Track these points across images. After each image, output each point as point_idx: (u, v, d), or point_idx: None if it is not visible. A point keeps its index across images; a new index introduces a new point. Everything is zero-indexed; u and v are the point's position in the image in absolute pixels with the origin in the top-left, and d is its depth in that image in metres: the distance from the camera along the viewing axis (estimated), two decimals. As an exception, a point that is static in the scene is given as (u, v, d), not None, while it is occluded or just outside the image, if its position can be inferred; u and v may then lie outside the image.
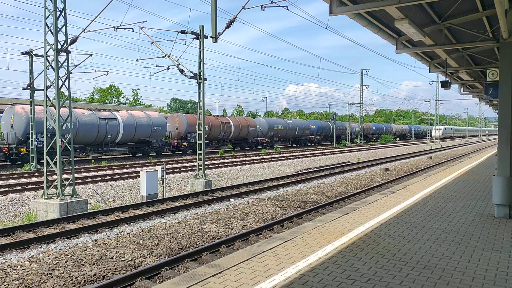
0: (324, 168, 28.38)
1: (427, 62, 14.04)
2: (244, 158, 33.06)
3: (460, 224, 7.59)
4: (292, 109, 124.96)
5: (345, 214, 8.41)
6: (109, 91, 55.12)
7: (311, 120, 72.33)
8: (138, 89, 61.80)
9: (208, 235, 10.44)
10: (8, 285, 6.84)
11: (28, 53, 23.12)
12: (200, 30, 18.12)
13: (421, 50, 11.10)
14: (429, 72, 14.60)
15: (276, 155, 36.54)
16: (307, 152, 41.30)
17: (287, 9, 12.49)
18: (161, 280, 7.43)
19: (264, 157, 34.61)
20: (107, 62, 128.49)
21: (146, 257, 8.61)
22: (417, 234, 6.79)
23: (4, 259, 8.33)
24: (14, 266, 7.80)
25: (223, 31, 12.53)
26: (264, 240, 7.39)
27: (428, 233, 6.87)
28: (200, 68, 18.34)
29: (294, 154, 38.55)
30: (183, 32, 17.24)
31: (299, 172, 25.94)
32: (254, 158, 33.39)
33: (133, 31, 15.95)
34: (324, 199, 16.24)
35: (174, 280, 4.82)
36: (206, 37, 18.03)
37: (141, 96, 58.89)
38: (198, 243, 9.81)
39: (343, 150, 45.98)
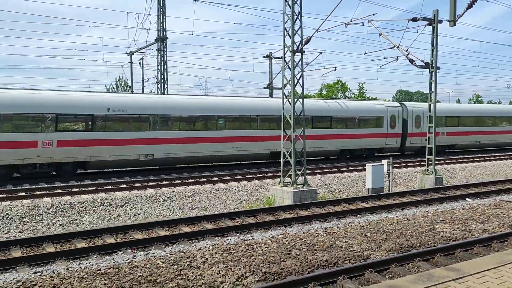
0: None
1: None
2: (483, 154, 29.20)
3: None
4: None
5: None
6: (336, 86, 57.38)
7: None
8: (364, 82, 62.21)
9: (441, 236, 9.67)
10: (255, 259, 7.91)
11: (268, 56, 26.12)
12: (434, 15, 16.83)
13: None
14: None
15: (524, 152, 30.95)
16: None
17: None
18: (390, 275, 7.30)
19: (507, 152, 29.77)
20: (335, 58, 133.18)
21: (374, 250, 8.59)
22: None
23: (251, 236, 9.68)
24: (259, 243, 8.97)
25: (463, 13, 11.30)
26: (513, 249, 6.37)
27: None
28: (432, 56, 17.07)
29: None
30: (414, 19, 16.37)
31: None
32: (496, 153, 29.11)
33: (362, 25, 16.05)
34: None
35: (408, 278, 4.65)
36: (441, 21, 16.63)
37: (366, 90, 59.19)
38: (429, 242, 9.21)
39: None
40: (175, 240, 9.49)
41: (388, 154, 27.60)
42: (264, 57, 25.97)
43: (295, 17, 14.08)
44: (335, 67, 23.39)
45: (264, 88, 26.62)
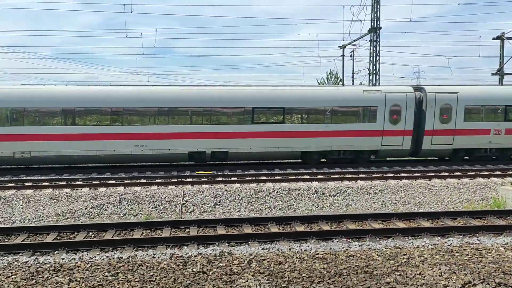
0: None
1: None
2: None
3: None
4: None
5: None
6: None
7: None
8: None
9: None
10: (484, 266, 7.03)
11: (500, 37, 22.74)
12: None
13: None
14: None
15: None
16: None
17: None
18: None
19: None
20: None
21: None
22: None
23: (478, 240, 8.64)
24: (489, 250, 7.93)
25: None
26: None
27: None
28: None
29: None
30: None
31: None
32: None
33: None
34: None
35: None
36: None
37: None
38: None
39: None
40: (390, 234, 9.28)
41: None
42: (493, 38, 22.65)
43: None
44: None
45: (492, 74, 23.26)
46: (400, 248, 7.99)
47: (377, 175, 16.21)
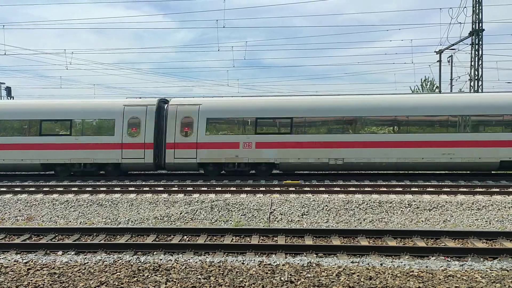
0: None
1: None
2: None
3: None
4: None
5: None
6: None
7: None
8: None
9: None
10: None
11: None
12: None
13: None
14: None
15: None
16: None
17: None
18: None
19: None
20: None
21: None
22: None
23: None
24: None
25: None
26: None
27: None
28: None
29: None
30: None
31: None
32: None
33: None
34: None
35: None
36: None
37: None
38: None
39: None
40: (496, 255, 8.45)
41: None
42: None
43: None
44: None
45: None
46: (508, 271, 7.26)
47: (481, 190, 14.91)
